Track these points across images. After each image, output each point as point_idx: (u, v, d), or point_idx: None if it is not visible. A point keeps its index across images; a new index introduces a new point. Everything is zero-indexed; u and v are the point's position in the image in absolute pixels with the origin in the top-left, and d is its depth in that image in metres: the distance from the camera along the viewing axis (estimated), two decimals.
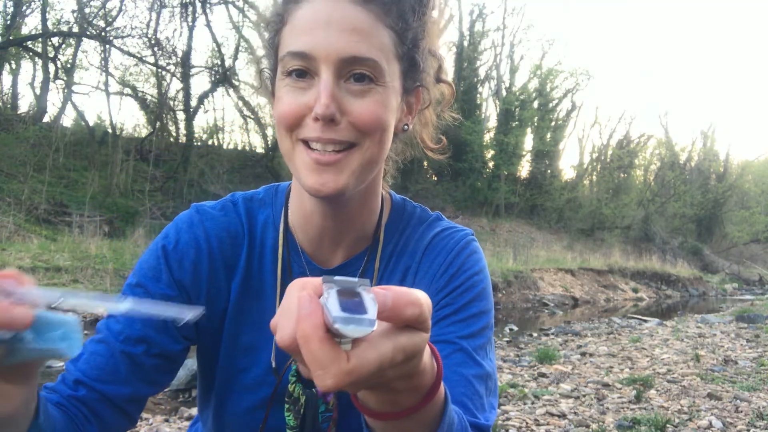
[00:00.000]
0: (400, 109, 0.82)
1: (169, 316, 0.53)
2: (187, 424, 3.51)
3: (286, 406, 0.82)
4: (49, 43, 17.60)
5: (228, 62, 19.66)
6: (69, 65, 18.62)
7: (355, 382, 0.43)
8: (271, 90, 0.83)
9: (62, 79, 18.54)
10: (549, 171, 31.97)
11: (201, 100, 19.97)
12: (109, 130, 18.59)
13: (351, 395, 0.55)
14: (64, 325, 0.49)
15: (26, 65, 28.37)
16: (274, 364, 0.85)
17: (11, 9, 17.49)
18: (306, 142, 0.75)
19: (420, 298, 0.46)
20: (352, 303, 0.42)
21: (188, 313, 0.53)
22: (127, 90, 20.11)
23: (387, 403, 0.53)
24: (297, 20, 0.74)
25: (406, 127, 0.85)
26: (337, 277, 0.44)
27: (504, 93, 29.93)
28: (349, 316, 0.41)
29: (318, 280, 0.45)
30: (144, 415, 3.66)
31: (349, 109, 0.73)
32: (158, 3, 17.62)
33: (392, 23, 0.75)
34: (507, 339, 8.11)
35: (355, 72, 0.73)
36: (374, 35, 0.73)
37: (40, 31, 17.31)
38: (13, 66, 19.87)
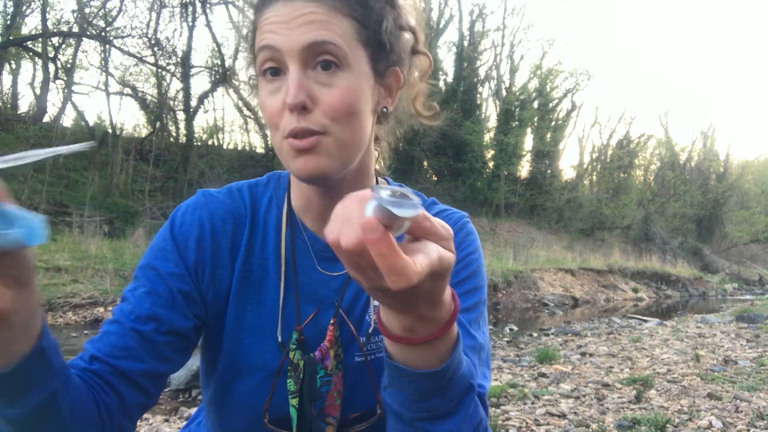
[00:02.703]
0: (376, 93, 0.84)
1: (62, 152, 0.59)
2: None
3: (288, 374, 0.85)
4: (49, 43, 17.60)
5: (228, 62, 19.67)
6: (69, 65, 18.64)
7: (420, 282, 0.51)
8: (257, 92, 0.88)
9: (62, 79, 18.56)
10: (549, 171, 31.97)
11: (201, 100, 19.98)
12: (109, 130, 18.58)
13: (377, 320, 0.63)
14: (27, 220, 0.54)
15: (26, 65, 28.38)
16: (280, 339, 0.87)
17: (11, 9, 17.50)
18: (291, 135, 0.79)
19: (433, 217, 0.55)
20: (399, 196, 0.50)
21: (77, 147, 0.60)
22: (127, 90, 20.15)
23: (407, 330, 0.61)
24: (262, 24, 0.80)
25: (384, 109, 0.87)
26: (383, 185, 0.52)
27: (504, 93, 29.93)
28: (399, 200, 0.49)
29: (366, 191, 0.52)
30: (144, 415, 3.66)
31: (319, 98, 0.77)
32: (158, 3, 17.62)
33: (350, 11, 0.78)
34: (507, 339, 8.11)
35: (321, 60, 0.76)
36: (332, 23, 0.77)
37: (40, 31, 17.31)
38: (13, 66, 19.89)
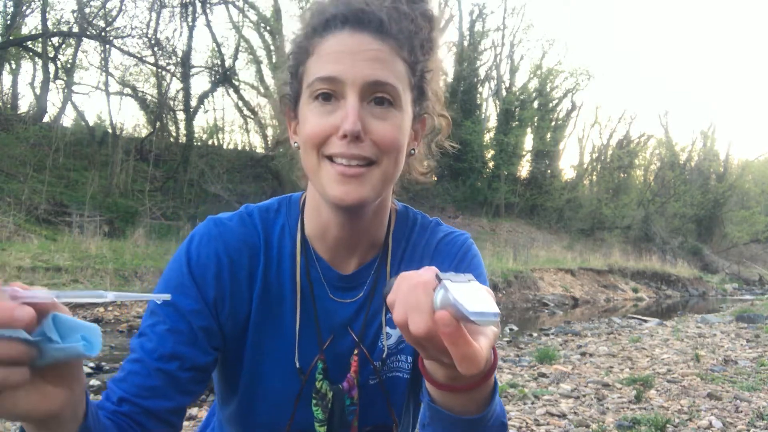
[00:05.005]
0: (411, 134, 0.90)
1: (148, 298, 0.65)
2: (187, 424, 3.51)
3: (314, 401, 0.90)
4: (49, 43, 17.59)
5: (228, 62, 19.68)
6: (69, 65, 18.63)
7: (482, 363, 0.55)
8: (293, 115, 0.90)
9: (62, 79, 18.55)
10: (549, 171, 31.95)
11: (201, 100, 19.98)
12: (109, 130, 18.57)
13: (421, 367, 0.68)
14: (86, 330, 0.57)
15: (26, 65, 28.39)
16: (298, 365, 0.91)
17: (11, 9, 17.50)
18: (330, 158, 0.82)
19: None
20: (475, 297, 0.52)
21: (163, 297, 0.66)
22: (127, 90, 20.12)
23: (450, 378, 0.66)
24: (323, 51, 0.83)
25: (413, 151, 0.93)
26: (448, 273, 0.54)
27: (504, 93, 29.93)
28: (482, 311, 0.50)
29: (430, 276, 0.55)
30: None
31: (372, 129, 0.81)
32: (158, 3, 17.62)
33: (405, 56, 0.85)
34: (507, 339, 8.12)
35: (377, 96, 0.81)
36: (392, 64, 0.83)
37: (40, 31, 17.30)
38: (13, 66, 19.89)
